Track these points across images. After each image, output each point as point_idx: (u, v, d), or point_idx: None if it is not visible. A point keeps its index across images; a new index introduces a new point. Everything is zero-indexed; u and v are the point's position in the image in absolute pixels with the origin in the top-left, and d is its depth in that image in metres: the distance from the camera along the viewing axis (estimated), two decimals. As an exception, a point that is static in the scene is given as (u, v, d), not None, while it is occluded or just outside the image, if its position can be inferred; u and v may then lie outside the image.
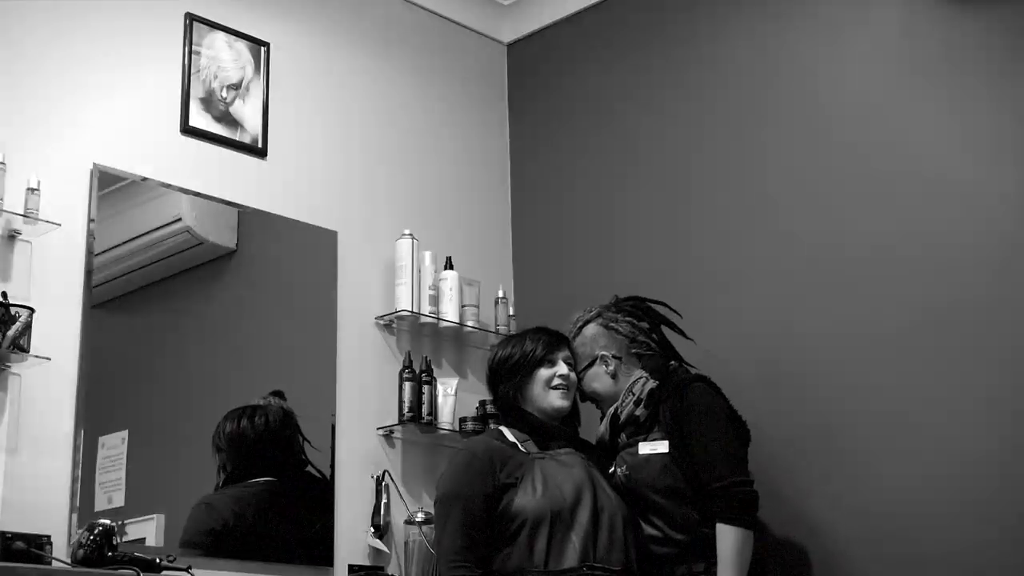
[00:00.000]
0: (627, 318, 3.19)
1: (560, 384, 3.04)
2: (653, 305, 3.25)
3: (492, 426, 3.43)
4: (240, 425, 3.39)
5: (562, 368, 3.05)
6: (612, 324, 3.18)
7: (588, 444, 3.15)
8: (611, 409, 3.13)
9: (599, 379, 3.16)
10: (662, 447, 2.98)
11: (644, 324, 3.20)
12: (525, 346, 3.06)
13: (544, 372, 3.04)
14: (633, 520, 2.96)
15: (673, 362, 3.17)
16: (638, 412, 3.07)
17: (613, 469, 3.07)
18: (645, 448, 3.02)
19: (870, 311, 3.26)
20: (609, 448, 3.14)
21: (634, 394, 3.08)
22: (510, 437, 3.02)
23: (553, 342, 3.08)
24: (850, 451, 3.22)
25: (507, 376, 3.06)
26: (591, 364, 3.16)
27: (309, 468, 3.51)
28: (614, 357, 3.14)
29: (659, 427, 3.02)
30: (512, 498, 2.87)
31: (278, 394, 3.49)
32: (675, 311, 3.27)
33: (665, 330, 3.24)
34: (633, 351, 3.15)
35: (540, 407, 3.04)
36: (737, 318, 3.50)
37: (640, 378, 3.09)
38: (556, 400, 3.04)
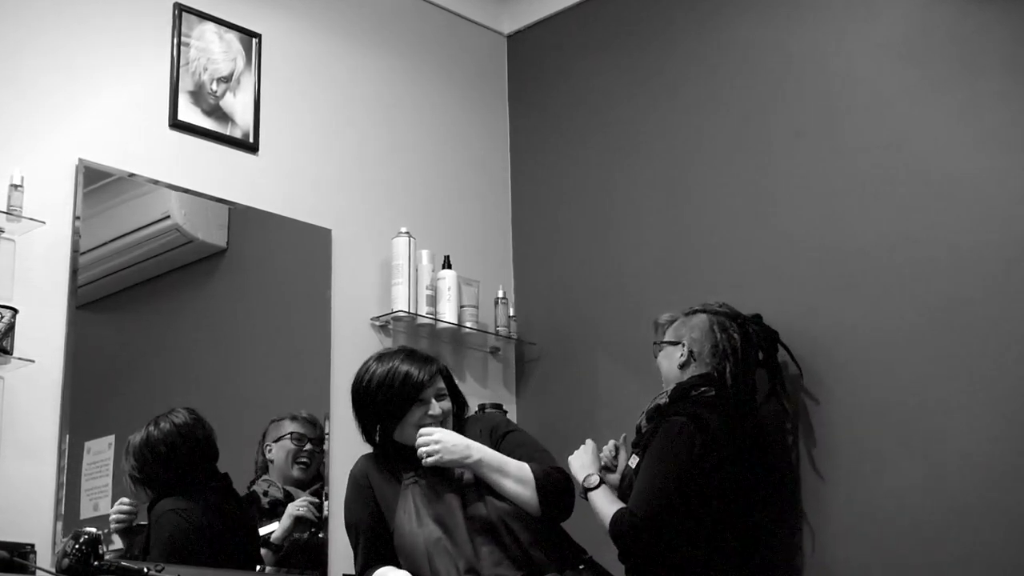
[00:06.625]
0: (740, 336, 3.14)
1: (431, 423, 2.81)
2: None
3: None
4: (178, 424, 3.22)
5: (434, 408, 2.82)
6: (719, 328, 3.14)
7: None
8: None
9: (669, 359, 3.17)
10: (633, 463, 3.02)
11: (753, 353, 3.16)
12: (394, 382, 2.81)
13: (416, 411, 2.83)
14: (528, 521, 2.75)
15: (707, 390, 3.07)
16: (640, 423, 3.10)
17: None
18: (633, 462, 3.03)
19: (876, 310, 3.24)
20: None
21: (649, 403, 3.11)
22: (382, 459, 2.88)
23: (424, 380, 2.82)
24: (852, 451, 3.20)
25: (375, 416, 2.83)
26: (674, 343, 3.17)
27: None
28: (689, 352, 3.13)
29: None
30: (391, 528, 2.79)
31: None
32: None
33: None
34: (707, 361, 3.11)
35: (408, 444, 2.83)
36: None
37: (663, 392, 3.10)
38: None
